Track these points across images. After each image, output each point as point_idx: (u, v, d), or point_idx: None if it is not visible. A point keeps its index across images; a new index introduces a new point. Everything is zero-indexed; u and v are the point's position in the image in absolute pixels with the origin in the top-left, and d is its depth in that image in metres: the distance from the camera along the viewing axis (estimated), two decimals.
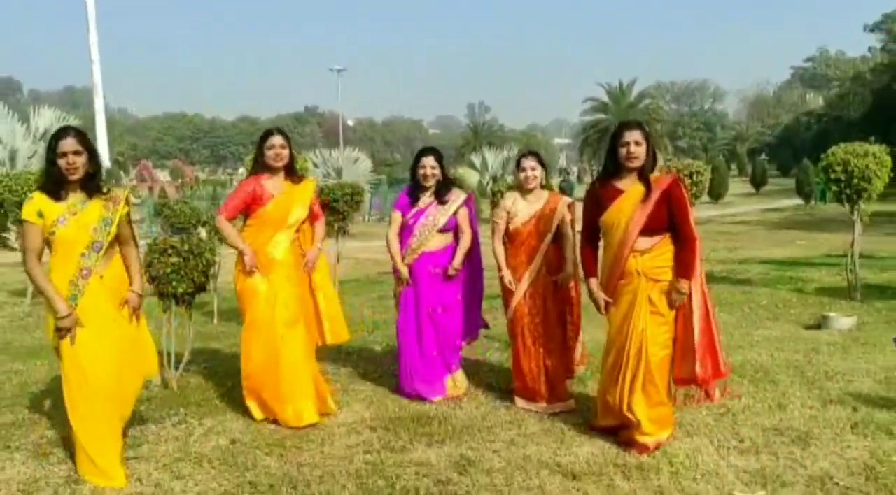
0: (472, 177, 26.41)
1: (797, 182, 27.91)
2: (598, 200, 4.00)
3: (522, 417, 4.47)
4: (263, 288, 4.38)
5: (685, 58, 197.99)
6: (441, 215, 4.82)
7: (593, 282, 4.06)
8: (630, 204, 3.88)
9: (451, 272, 4.83)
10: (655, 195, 3.84)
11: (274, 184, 4.48)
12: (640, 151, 3.86)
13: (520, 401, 4.70)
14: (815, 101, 69.16)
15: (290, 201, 4.46)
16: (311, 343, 4.57)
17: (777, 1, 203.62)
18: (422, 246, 4.82)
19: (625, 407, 3.87)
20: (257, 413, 4.47)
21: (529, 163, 4.68)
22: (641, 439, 3.84)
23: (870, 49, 52.64)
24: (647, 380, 3.86)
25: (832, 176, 7.94)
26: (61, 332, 3.54)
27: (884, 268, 10.59)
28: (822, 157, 8.20)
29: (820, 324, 6.85)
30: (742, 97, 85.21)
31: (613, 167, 3.95)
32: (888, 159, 7.84)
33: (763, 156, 57.36)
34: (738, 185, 39.33)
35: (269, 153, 4.44)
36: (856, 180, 7.78)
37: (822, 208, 24.82)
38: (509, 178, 21.86)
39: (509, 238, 4.75)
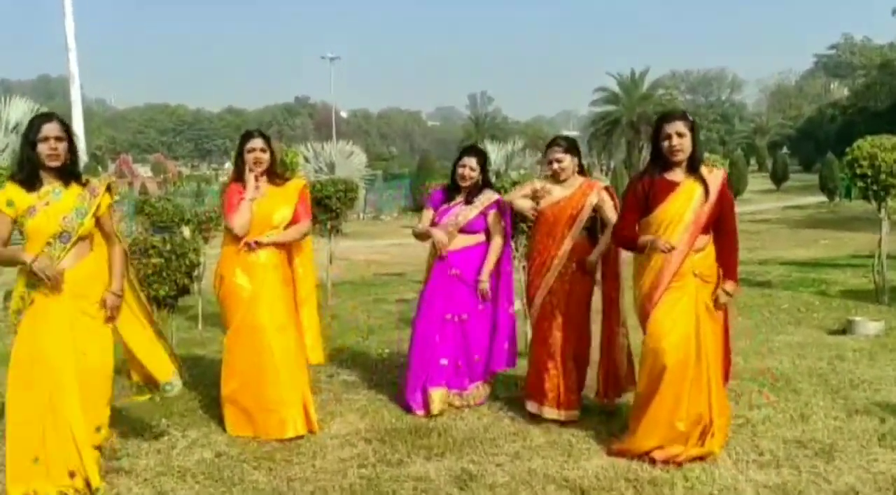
0: None
1: (821, 178, 27.95)
2: (648, 194, 3.92)
3: (527, 429, 4.47)
4: (247, 290, 4.41)
5: (701, 45, 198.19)
6: (462, 214, 4.79)
7: (645, 237, 3.89)
8: (687, 200, 3.87)
9: (480, 287, 4.76)
10: (715, 194, 3.87)
11: (255, 190, 4.48)
12: (683, 143, 3.85)
13: (529, 405, 4.67)
14: (840, 91, 69.20)
15: (273, 203, 4.47)
16: (301, 350, 4.56)
17: None
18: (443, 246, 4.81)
19: (713, 417, 3.85)
20: (233, 427, 4.46)
21: (555, 155, 4.59)
22: (692, 453, 3.83)
23: None
24: (718, 387, 3.92)
25: (858, 171, 7.96)
26: (49, 280, 3.55)
27: None
28: (848, 151, 8.21)
29: (845, 329, 6.85)
30: (762, 87, 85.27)
31: (659, 161, 3.93)
32: None
33: (784, 149, 57.41)
34: (757, 181, 39.35)
35: (249, 157, 4.47)
36: (883, 176, 7.79)
37: (847, 205, 24.85)
38: (513, 174, 21.85)
39: (537, 223, 4.72)
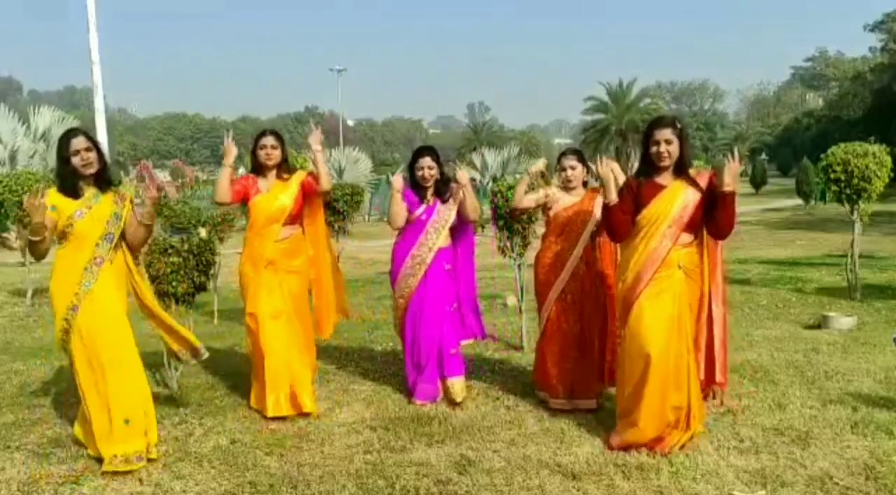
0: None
1: (797, 182, 27.81)
2: (637, 196, 3.89)
3: (522, 417, 4.46)
4: (252, 279, 4.57)
5: (685, 57, 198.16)
6: (449, 212, 4.82)
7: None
8: (673, 199, 3.84)
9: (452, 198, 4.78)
10: (701, 191, 3.84)
11: (265, 183, 4.65)
12: (671, 150, 3.83)
13: (541, 394, 4.70)
14: (815, 101, 69.23)
15: (274, 197, 4.59)
16: (297, 336, 4.63)
17: (778, 1, 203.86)
18: (436, 244, 4.81)
19: (693, 402, 3.85)
20: (253, 400, 4.66)
21: (569, 162, 4.71)
22: (685, 439, 3.84)
23: (870, 49, 52.53)
24: (695, 376, 3.91)
25: (832, 176, 7.94)
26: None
27: (883, 267, 10.60)
28: (822, 157, 8.20)
29: (820, 323, 6.85)
30: (742, 97, 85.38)
31: (649, 166, 3.90)
32: (888, 159, 7.84)
33: (763, 156, 57.28)
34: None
35: (261, 153, 4.62)
36: (855, 180, 7.78)
37: (821, 208, 24.81)
38: (509, 178, 21.85)
39: (549, 226, 4.77)
